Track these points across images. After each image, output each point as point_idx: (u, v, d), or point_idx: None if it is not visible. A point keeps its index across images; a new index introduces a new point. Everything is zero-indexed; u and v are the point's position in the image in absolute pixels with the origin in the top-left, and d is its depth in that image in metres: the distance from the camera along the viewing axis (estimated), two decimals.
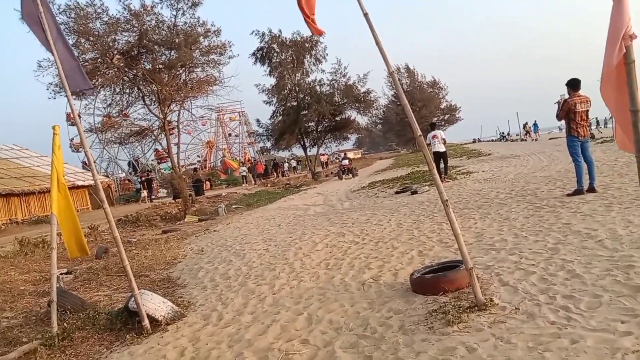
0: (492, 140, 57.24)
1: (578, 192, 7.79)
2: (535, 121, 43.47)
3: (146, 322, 4.69)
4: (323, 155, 52.46)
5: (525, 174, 12.49)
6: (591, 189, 7.75)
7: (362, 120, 39.52)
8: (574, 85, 7.96)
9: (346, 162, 30.40)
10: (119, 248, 4.86)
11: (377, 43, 3.80)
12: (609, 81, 3.64)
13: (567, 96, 8.10)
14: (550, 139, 34.48)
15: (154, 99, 19.44)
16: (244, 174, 37.83)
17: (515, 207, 7.78)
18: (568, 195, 7.91)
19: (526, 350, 2.98)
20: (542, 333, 3.15)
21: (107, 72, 18.30)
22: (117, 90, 19.93)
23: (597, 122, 42.26)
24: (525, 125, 44.43)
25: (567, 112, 7.93)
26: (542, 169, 12.90)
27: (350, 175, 27.25)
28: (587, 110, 7.92)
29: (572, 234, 5.43)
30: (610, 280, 3.82)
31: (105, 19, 17.10)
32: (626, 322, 3.08)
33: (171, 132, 21.54)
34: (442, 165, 14.47)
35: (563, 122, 8.38)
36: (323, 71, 36.29)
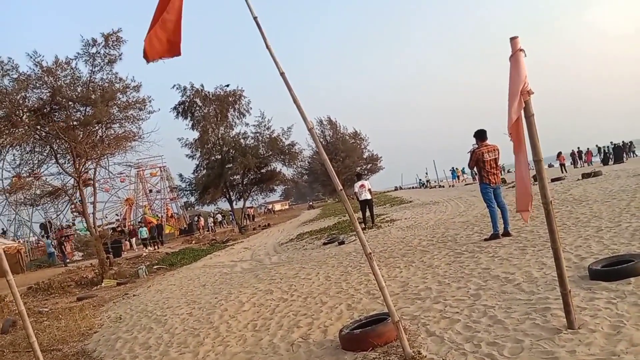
0: (413, 187, 59.46)
1: (494, 236, 8.15)
2: (454, 168, 45.97)
3: None
4: (250, 208, 51.90)
5: (445, 220, 12.97)
6: (506, 233, 8.13)
7: (287, 171, 39.86)
8: (480, 135, 8.49)
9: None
10: (24, 323, 4.45)
11: (295, 101, 3.85)
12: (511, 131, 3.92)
13: (476, 146, 8.60)
14: (465, 184, 36.35)
15: (68, 157, 18.46)
16: (144, 235, 30.57)
17: (437, 253, 7.99)
18: (485, 240, 8.25)
19: None
20: None
21: (16, 131, 17.22)
22: (28, 149, 18.78)
23: (503, 167, 45.60)
24: (456, 169, 47.68)
25: (477, 161, 8.41)
26: (460, 215, 13.47)
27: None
28: (496, 159, 8.43)
29: (491, 279, 5.62)
30: (530, 324, 3.94)
31: (15, 76, 16.26)
32: None
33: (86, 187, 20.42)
34: (368, 214, 14.90)
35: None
36: (247, 124, 36.57)
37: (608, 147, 36.80)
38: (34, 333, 4.49)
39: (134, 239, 31.92)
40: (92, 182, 20.35)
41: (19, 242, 34.61)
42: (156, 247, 28.96)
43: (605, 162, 33.19)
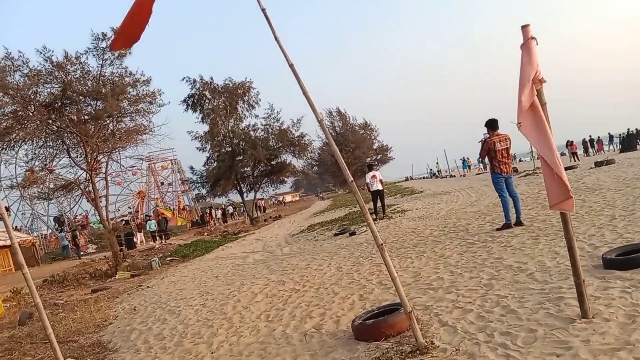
0: (424, 178, 59.22)
1: (506, 226, 8.10)
2: (464, 158, 45.73)
3: None
4: (261, 199, 52.05)
5: (456, 210, 12.91)
6: (518, 223, 8.08)
7: (297, 163, 39.83)
8: (491, 125, 8.42)
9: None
10: (41, 316, 4.48)
11: (304, 92, 3.84)
12: (526, 120, 3.81)
13: (488, 136, 8.54)
14: (477, 174, 36.12)
15: (80, 151, 18.63)
16: (152, 228, 30.16)
17: (449, 244, 7.97)
18: (497, 229, 8.21)
19: None
20: None
21: (28, 125, 17.40)
22: (40, 143, 18.97)
23: (514, 156, 45.35)
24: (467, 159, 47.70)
25: (488, 151, 8.34)
26: (472, 204, 13.40)
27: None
28: (507, 148, 8.35)
29: (504, 269, 5.60)
30: (543, 313, 3.93)
31: (26, 71, 16.38)
32: (561, 356, 3.14)
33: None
34: (379, 204, 14.88)
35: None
36: (257, 116, 36.53)
37: (622, 134, 36.29)
38: (50, 325, 4.56)
39: (141, 232, 32.12)
40: (103, 181, 20.48)
41: (34, 235, 35.10)
42: (163, 240, 28.81)
43: (622, 149, 32.67)
